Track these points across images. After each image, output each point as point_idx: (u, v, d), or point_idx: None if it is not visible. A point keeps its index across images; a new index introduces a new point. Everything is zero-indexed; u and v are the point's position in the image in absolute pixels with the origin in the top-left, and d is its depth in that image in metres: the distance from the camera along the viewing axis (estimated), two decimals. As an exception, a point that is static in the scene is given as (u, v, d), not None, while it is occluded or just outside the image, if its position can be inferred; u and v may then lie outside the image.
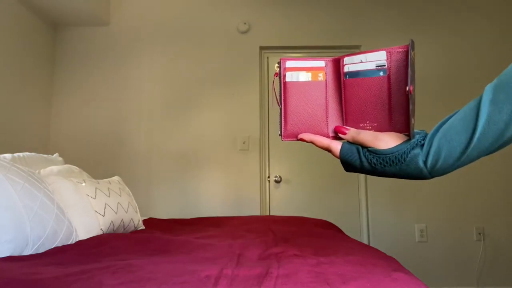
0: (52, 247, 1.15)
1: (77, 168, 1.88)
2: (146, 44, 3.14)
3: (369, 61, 0.66)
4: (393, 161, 0.62)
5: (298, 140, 0.71)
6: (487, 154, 0.57)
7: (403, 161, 0.61)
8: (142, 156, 3.02)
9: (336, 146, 0.68)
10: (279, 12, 3.16)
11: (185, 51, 3.13)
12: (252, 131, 3.02)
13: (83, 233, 1.33)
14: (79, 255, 1.04)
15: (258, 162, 2.99)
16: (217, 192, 2.96)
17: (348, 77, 0.68)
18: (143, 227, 1.80)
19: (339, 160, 3.04)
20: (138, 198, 2.93)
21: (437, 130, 0.59)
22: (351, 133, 0.68)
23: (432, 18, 3.13)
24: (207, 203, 2.95)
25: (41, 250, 1.12)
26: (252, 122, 3.03)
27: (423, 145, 0.60)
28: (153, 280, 0.71)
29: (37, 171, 1.58)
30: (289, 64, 0.71)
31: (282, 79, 0.71)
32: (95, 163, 2.99)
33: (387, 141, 0.63)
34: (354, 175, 3.03)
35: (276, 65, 0.72)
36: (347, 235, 1.56)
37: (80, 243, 1.20)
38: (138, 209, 1.78)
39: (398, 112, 0.64)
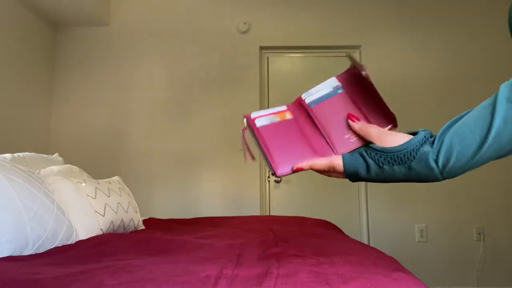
0: (52, 247, 1.15)
1: (77, 168, 1.88)
2: (146, 44, 3.14)
3: (324, 88, 0.71)
4: (401, 159, 0.59)
5: (295, 171, 0.67)
6: (502, 156, 0.54)
7: (412, 158, 0.58)
8: (142, 156, 3.02)
9: (338, 161, 0.65)
10: (279, 12, 3.16)
11: (185, 51, 3.13)
12: (252, 131, 3.01)
13: (83, 233, 1.33)
14: (79, 255, 1.04)
15: (258, 162, 2.99)
16: (217, 192, 2.96)
17: (314, 105, 0.71)
18: (143, 227, 1.80)
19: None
20: (138, 198, 2.93)
21: (448, 128, 0.57)
22: (360, 124, 0.66)
23: (432, 18, 3.13)
24: (207, 203, 2.95)
25: (41, 250, 1.12)
26: (252, 122, 3.02)
27: (433, 142, 0.57)
28: (153, 280, 0.71)
29: (37, 171, 1.58)
30: (254, 114, 0.73)
31: (253, 128, 0.71)
32: (95, 163, 2.98)
33: (394, 139, 0.61)
34: (354, 175, 3.02)
35: (244, 121, 0.72)
36: (347, 235, 1.56)
37: (80, 243, 1.20)
38: (138, 209, 1.78)
39: (372, 114, 0.67)
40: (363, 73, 0.66)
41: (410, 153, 0.58)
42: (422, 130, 0.60)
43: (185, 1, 3.19)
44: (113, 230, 1.51)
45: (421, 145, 0.58)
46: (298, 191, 3.03)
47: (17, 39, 2.68)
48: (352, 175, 0.65)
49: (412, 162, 0.58)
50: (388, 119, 0.67)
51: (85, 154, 3.01)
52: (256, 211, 2.93)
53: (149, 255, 1.06)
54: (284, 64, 3.22)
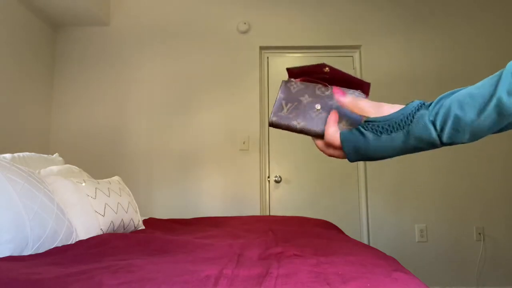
0: (52, 247, 1.15)
1: (77, 168, 1.88)
2: (146, 44, 3.14)
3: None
4: (399, 125, 0.58)
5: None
6: (501, 129, 0.54)
7: (409, 122, 0.57)
8: (142, 156, 3.02)
9: (335, 134, 0.65)
10: (279, 12, 3.16)
11: (185, 51, 3.13)
12: (252, 131, 3.02)
13: (83, 233, 1.33)
14: (79, 255, 1.04)
15: (258, 162, 2.99)
16: (217, 192, 2.96)
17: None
18: (143, 227, 1.80)
19: (339, 160, 3.05)
20: (138, 198, 2.93)
21: (449, 95, 0.57)
22: (351, 98, 0.66)
23: (431, 17, 3.13)
24: (207, 203, 2.95)
25: (41, 250, 1.12)
26: (252, 122, 3.03)
27: (429, 105, 0.58)
28: (153, 280, 0.71)
29: (37, 171, 1.58)
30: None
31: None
32: (95, 163, 2.99)
33: (389, 108, 0.62)
34: (354, 175, 3.03)
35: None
36: (347, 235, 1.56)
37: (80, 243, 1.20)
38: (138, 209, 1.78)
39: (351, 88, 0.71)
40: (326, 68, 0.68)
41: (407, 117, 0.58)
42: (417, 100, 0.61)
43: (185, 1, 3.19)
44: (113, 230, 1.51)
45: (418, 109, 0.58)
46: (298, 191, 3.03)
47: (17, 39, 2.68)
48: (349, 150, 0.64)
49: (410, 126, 0.58)
50: (363, 85, 0.69)
51: (85, 154, 3.01)
52: (256, 211, 2.93)
53: (149, 255, 1.05)
54: (284, 64, 3.22)
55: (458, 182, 2.95)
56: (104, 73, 3.12)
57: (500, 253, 2.86)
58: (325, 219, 2.72)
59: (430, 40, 3.11)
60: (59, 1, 2.75)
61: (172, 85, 3.09)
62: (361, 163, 3.03)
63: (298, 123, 0.69)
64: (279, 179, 3.03)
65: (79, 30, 3.17)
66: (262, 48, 3.17)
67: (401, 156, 2.98)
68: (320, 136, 0.69)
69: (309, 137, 3.06)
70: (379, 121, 0.61)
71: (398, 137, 0.59)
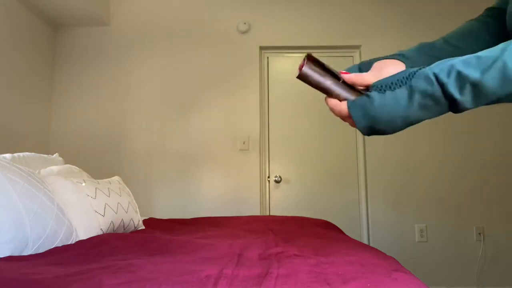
0: (52, 247, 1.15)
1: (77, 168, 1.88)
2: (146, 44, 3.14)
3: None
4: (401, 81, 0.60)
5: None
6: (502, 99, 0.55)
7: (411, 77, 0.59)
8: (142, 156, 3.02)
9: (343, 105, 0.67)
10: (279, 12, 3.16)
11: (185, 51, 3.13)
12: (252, 131, 3.02)
13: (83, 233, 1.33)
14: (79, 255, 1.04)
15: (258, 162, 2.99)
16: (217, 192, 2.96)
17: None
18: (143, 227, 1.80)
19: (339, 160, 3.05)
20: (138, 198, 2.93)
21: (454, 58, 0.58)
22: (354, 74, 0.68)
23: (432, 17, 3.13)
24: (207, 203, 2.95)
25: (41, 250, 1.12)
26: (252, 122, 3.03)
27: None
28: (153, 280, 0.71)
29: (37, 171, 1.58)
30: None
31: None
32: (95, 163, 2.98)
33: (390, 72, 0.65)
34: (354, 175, 3.03)
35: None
36: (347, 235, 1.56)
37: (80, 243, 1.20)
38: (138, 209, 1.78)
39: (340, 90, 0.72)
40: (341, 81, 0.72)
41: (410, 74, 0.60)
42: None
43: (185, 1, 3.19)
44: (113, 230, 1.51)
45: (420, 68, 0.60)
46: (298, 191, 3.03)
47: (17, 39, 2.68)
48: (357, 114, 0.64)
49: (412, 80, 0.59)
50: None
51: (85, 154, 3.01)
52: (256, 211, 2.93)
53: (149, 255, 1.06)
54: (284, 64, 3.22)
55: (458, 182, 2.95)
56: (104, 73, 3.12)
57: (500, 253, 2.86)
58: (325, 219, 2.72)
59: (430, 39, 3.10)
60: (59, 1, 2.75)
61: (172, 85, 3.09)
62: (361, 163, 3.03)
63: (326, 81, 0.73)
64: (279, 179, 3.03)
65: (79, 30, 3.17)
66: (262, 48, 3.17)
67: (401, 156, 2.98)
68: (338, 98, 0.71)
69: (308, 138, 3.07)
70: (383, 81, 0.63)
71: (402, 94, 0.60)
